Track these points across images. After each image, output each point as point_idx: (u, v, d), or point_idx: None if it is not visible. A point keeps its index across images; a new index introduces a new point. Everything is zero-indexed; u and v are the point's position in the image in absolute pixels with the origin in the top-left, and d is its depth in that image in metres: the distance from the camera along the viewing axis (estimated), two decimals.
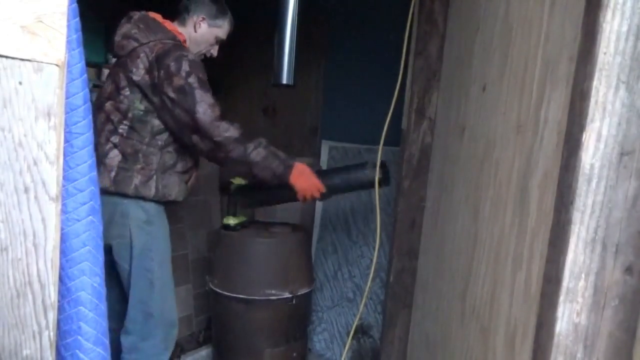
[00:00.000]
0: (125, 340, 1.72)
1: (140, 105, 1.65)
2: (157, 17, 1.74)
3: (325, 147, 2.70)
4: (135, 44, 1.66)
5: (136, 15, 1.71)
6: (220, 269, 2.11)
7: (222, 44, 1.90)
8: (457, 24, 1.62)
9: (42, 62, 0.68)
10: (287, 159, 1.74)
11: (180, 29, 1.78)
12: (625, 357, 0.73)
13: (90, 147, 0.86)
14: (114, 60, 1.86)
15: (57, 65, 0.69)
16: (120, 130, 1.65)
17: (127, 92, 1.64)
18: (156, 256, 1.71)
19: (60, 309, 0.83)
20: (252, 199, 2.06)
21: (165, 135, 1.69)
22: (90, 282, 0.87)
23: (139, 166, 1.65)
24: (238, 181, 2.17)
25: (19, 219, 0.70)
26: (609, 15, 0.69)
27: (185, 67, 1.60)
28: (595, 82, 0.70)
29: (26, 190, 0.69)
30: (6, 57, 0.65)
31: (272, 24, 1.93)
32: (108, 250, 1.68)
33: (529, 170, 0.91)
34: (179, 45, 1.69)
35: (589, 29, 0.72)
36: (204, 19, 1.78)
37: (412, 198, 1.89)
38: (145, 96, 1.64)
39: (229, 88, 3.09)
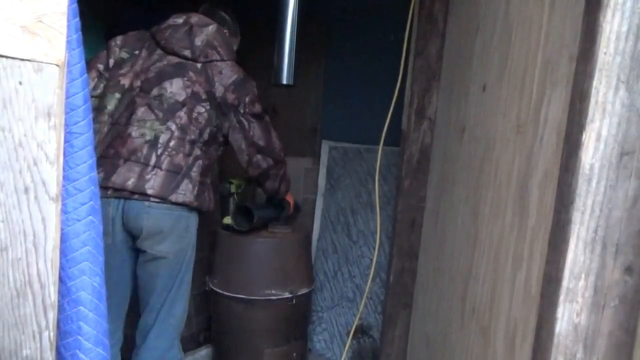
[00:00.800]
0: (150, 356, 1.63)
1: (215, 122, 1.67)
2: (227, 32, 1.80)
3: (325, 147, 2.70)
4: (218, 57, 1.67)
5: (212, 24, 1.71)
6: (220, 269, 2.11)
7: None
8: (457, 24, 1.62)
9: (42, 62, 0.67)
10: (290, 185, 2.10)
11: None
12: (625, 357, 0.73)
13: (91, 147, 0.86)
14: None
15: (57, 65, 0.69)
16: (200, 143, 1.63)
17: (207, 105, 1.63)
18: (191, 268, 1.73)
19: (60, 309, 0.83)
20: (251, 220, 2.04)
21: (221, 151, 1.78)
22: (91, 282, 0.87)
23: (209, 180, 1.70)
24: (237, 181, 2.18)
25: (19, 219, 0.70)
26: (609, 15, 0.69)
27: (256, 93, 1.74)
28: (595, 82, 0.70)
29: (26, 190, 0.69)
30: (6, 57, 0.65)
31: (272, 24, 1.94)
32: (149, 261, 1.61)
33: (529, 170, 0.91)
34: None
35: (589, 28, 0.72)
36: (227, 31, 1.83)
37: (412, 198, 1.89)
38: (220, 113, 1.67)
39: None
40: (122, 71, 1.63)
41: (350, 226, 2.55)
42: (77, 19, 0.79)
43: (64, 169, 0.79)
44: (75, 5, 0.78)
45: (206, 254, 2.75)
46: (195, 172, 1.59)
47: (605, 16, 0.69)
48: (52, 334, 0.74)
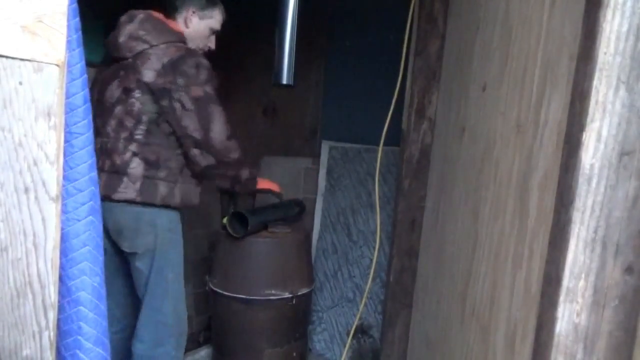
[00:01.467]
0: (138, 348, 1.68)
1: (153, 108, 1.59)
2: (161, 17, 1.68)
3: (325, 147, 2.70)
4: (146, 46, 1.59)
5: (140, 15, 1.64)
6: (220, 269, 2.11)
7: (219, 36, 1.84)
8: (457, 24, 1.62)
9: (42, 62, 0.67)
10: (256, 177, 1.87)
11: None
12: (625, 357, 0.73)
13: (90, 147, 0.86)
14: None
15: (57, 65, 0.69)
16: (137, 137, 1.59)
17: (138, 94, 1.58)
18: (174, 264, 1.69)
19: (60, 309, 0.83)
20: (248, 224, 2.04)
21: (174, 137, 1.64)
22: (91, 282, 0.87)
23: (162, 174, 1.61)
24: None
25: (19, 219, 0.70)
26: (609, 15, 0.69)
27: (203, 75, 1.58)
28: (595, 82, 0.70)
29: (26, 190, 0.69)
30: (6, 57, 0.65)
31: (272, 24, 1.93)
32: (130, 257, 1.67)
33: (529, 170, 0.91)
34: (192, 50, 1.65)
35: (589, 28, 0.72)
36: (193, 12, 1.72)
37: (412, 198, 1.89)
38: (155, 99, 1.59)
39: (229, 88, 3.08)
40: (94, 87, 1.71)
41: (350, 226, 2.55)
42: (77, 19, 0.79)
43: (64, 169, 0.79)
44: (75, 5, 0.78)
45: (206, 254, 2.76)
46: (134, 169, 1.58)
47: (605, 16, 0.69)
48: (52, 334, 0.74)
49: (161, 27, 1.64)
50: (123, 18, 1.66)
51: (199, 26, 1.74)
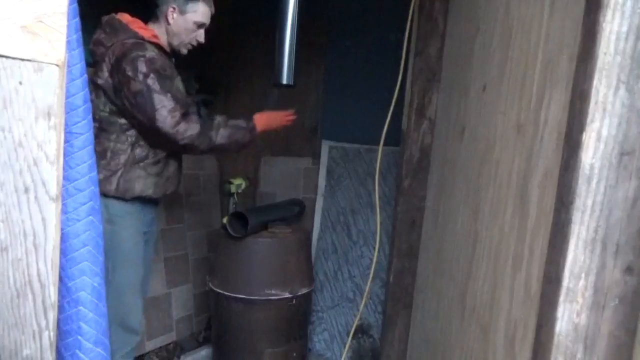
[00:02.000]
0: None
1: (105, 108, 1.63)
2: (124, 17, 1.69)
3: (325, 147, 2.70)
4: (103, 49, 1.64)
5: (105, 18, 1.68)
6: (220, 269, 2.11)
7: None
8: (457, 24, 1.62)
9: (42, 62, 0.67)
10: (247, 123, 1.81)
11: (154, 26, 1.74)
12: (625, 357, 0.73)
13: (90, 147, 0.86)
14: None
15: (57, 65, 0.69)
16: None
17: (92, 96, 1.60)
18: (113, 257, 1.64)
19: (60, 309, 0.83)
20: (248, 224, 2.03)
21: (134, 131, 1.67)
22: (90, 282, 0.87)
23: (104, 162, 1.63)
24: (238, 181, 2.17)
25: (19, 219, 0.70)
26: (609, 15, 0.69)
27: (141, 68, 1.57)
28: (595, 82, 0.70)
29: (26, 190, 0.69)
30: (6, 57, 0.65)
31: (272, 24, 1.93)
32: None
33: (529, 170, 0.91)
34: (138, 43, 1.63)
35: (589, 29, 0.72)
36: (174, 8, 1.71)
37: (412, 198, 1.89)
38: (109, 99, 1.63)
39: (229, 88, 3.08)
40: None
41: (350, 226, 2.55)
42: (77, 19, 0.79)
43: (64, 169, 0.79)
44: (75, 5, 0.78)
45: (206, 254, 2.76)
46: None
47: (605, 16, 0.69)
48: (52, 334, 0.74)
49: (118, 26, 1.65)
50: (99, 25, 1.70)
51: (181, 21, 1.73)
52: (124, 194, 1.67)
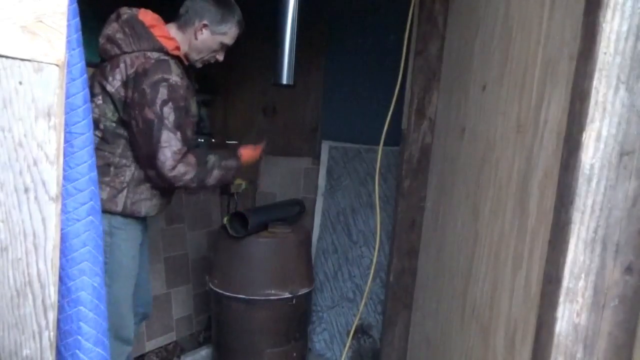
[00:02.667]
0: None
1: (113, 117, 1.53)
2: (147, 19, 1.56)
3: (325, 147, 2.70)
4: (118, 52, 1.52)
5: (125, 15, 1.55)
6: (220, 269, 2.11)
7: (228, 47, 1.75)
8: (457, 24, 1.62)
9: (42, 62, 0.67)
10: (237, 162, 1.76)
11: (177, 34, 1.63)
12: (625, 357, 0.73)
13: (90, 147, 0.86)
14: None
15: (57, 65, 0.69)
16: (98, 143, 1.53)
17: (99, 100, 1.52)
18: (111, 270, 1.56)
19: (60, 309, 0.83)
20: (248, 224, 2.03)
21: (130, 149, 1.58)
22: (90, 282, 0.87)
23: (107, 179, 1.54)
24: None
25: (19, 219, 0.70)
26: (609, 15, 0.69)
27: (162, 94, 1.47)
28: (595, 82, 0.70)
29: (26, 190, 0.69)
30: (6, 57, 0.65)
31: (272, 24, 1.93)
32: None
33: (529, 170, 0.91)
34: (163, 61, 1.51)
35: (589, 29, 0.72)
36: (205, 25, 1.61)
37: (412, 198, 1.89)
38: (116, 109, 1.53)
39: (229, 88, 3.08)
40: None
41: (350, 226, 2.55)
42: (77, 19, 0.79)
43: (64, 169, 0.79)
44: (75, 5, 0.78)
45: (206, 254, 2.76)
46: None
47: (605, 16, 0.69)
48: (52, 334, 0.74)
49: (141, 31, 1.53)
50: (112, 15, 1.58)
51: (209, 40, 1.64)
52: (130, 215, 1.60)
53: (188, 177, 1.55)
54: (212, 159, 1.66)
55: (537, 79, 0.92)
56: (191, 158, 1.56)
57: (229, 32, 1.66)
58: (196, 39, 1.63)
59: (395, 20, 2.02)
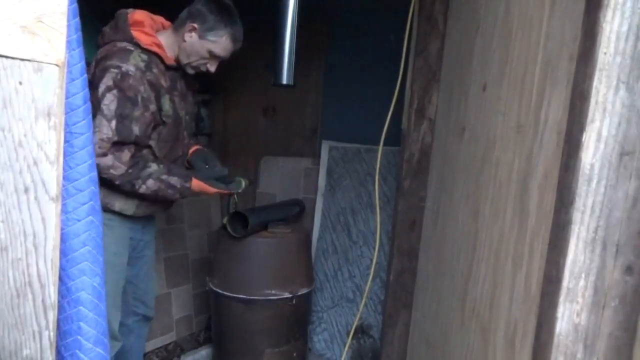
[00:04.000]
0: None
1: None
2: (134, 15, 1.57)
3: (325, 147, 2.70)
4: (101, 43, 1.56)
5: (118, 12, 1.59)
6: (220, 269, 2.11)
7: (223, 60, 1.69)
8: (457, 24, 1.62)
9: (42, 62, 0.67)
10: (183, 185, 1.62)
11: (171, 34, 1.62)
12: (625, 357, 0.73)
13: (90, 147, 0.86)
14: None
15: (57, 65, 0.69)
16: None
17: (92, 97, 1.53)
18: (109, 270, 1.52)
19: (60, 309, 0.83)
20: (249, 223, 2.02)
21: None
22: (90, 282, 0.87)
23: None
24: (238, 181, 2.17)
25: (19, 219, 0.70)
26: (609, 15, 0.69)
27: (107, 80, 1.44)
28: (595, 82, 0.70)
29: (26, 190, 0.69)
30: (6, 57, 0.65)
31: (272, 24, 1.93)
32: None
33: (529, 170, 0.91)
34: (125, 50, 1.50)
35: (589, 29, 0.72)
36: (194, 28, 1.57)
37: (412, 198, 1.89)
38: None
39: (229, 88, 3.08)
40: None
41: (350, 226, 2.55)
42: (77, 19, 0.79)
43: (64, 169, 0.79)
44: (75, 5, 0.78)
45: (206, 254, 2.76)
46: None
47: (605, 16, 0.69)
48: (52, 334, 0.74)
49: (121, 25, 1.55)
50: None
51: (197, 44, 1.60)
52: (104, 206, 1.51)
53: (114, 172, 1.48)
54: (153, 167, 1.56)
55: (537, 79, 0.92)
56: (125, 155, 1.49)
57: (218, 42, 1.60)
58: (184, 40, 1.60)
59: (395, 20, 2.02)
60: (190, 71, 1.69)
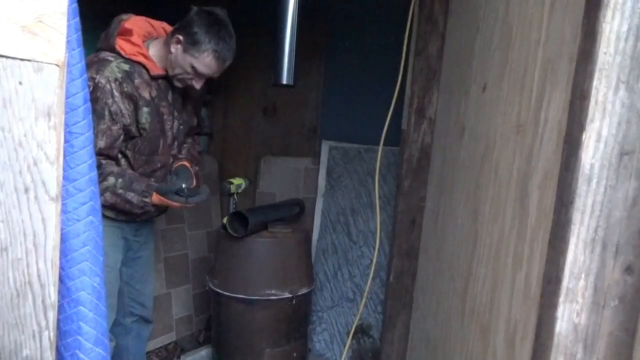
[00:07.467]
0: None
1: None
2: (127, 23, 1.54)
3: (325, 147, 2.70)
4: (98, 47, 1.57)
5: (115, 18, 1.57)
6: (220, 269, 2.11)
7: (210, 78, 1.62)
8: (457, 24, 1.62)
9: (42, 62, 0.67)
10: (142, 199, 1.55)
11: (158, 42, 1.60)
12: (625, 357, 0.73)
13: (90, 147, 0.86)
14: None
15: (57, 65, 0.69)
16: None
17: None
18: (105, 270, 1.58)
19: (60, 309, 0.83)
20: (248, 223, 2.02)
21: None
22: (90, 282, 0.87)
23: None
24: (238, 181, 2.17)
25: (19, 219, 0.70)
26: (609, 15, 0.69)
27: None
28: (595, 82, 0.70)
29: (26, 190, 0.69)
30: (6, 57, 0.65)
31: (272, 24, 1.93)
32: None
33: (529, 170, 0.91)
34: (103, 61, 1.47)
35: (589, 29, 0.72)
36: (179, 40, 1.51)
37: (412, 198, 1.89)
38: None
39: (229, 88, 3.08)
40: None
41: (350, 226, 2.55)
42: (77, 19, 0.79)
43: (64, 169, 0.79)
44: (75, 5, 0.78)
45: (206, 254, 2.76)
46: None
47: (605, 16, 0.69)
48: (52, 334, 0.74)
49: (110, 32, 1.53)
50: None
51: (180, 57, 1.53)
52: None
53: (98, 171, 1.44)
54: (110, 181, 1.50)
55: (537, 79, 0.92)
56: (99, 160, 1.43)
57: (199, 57, 1.51)
58: (170, 52, 1.55)
59: (395, 20, 2.02)
60: (177, 84, 1.62)
